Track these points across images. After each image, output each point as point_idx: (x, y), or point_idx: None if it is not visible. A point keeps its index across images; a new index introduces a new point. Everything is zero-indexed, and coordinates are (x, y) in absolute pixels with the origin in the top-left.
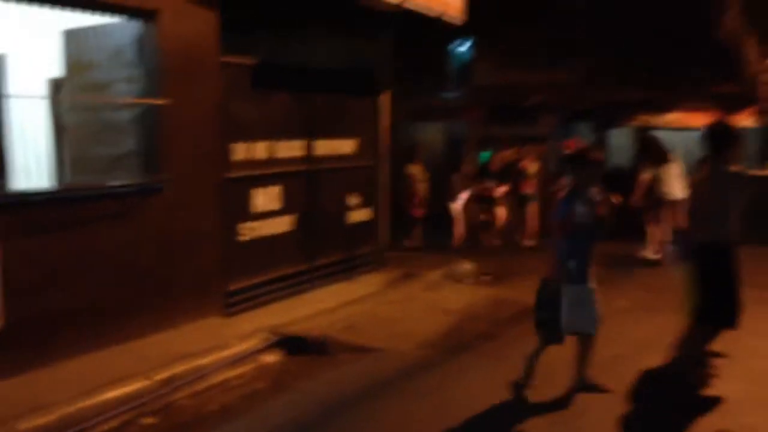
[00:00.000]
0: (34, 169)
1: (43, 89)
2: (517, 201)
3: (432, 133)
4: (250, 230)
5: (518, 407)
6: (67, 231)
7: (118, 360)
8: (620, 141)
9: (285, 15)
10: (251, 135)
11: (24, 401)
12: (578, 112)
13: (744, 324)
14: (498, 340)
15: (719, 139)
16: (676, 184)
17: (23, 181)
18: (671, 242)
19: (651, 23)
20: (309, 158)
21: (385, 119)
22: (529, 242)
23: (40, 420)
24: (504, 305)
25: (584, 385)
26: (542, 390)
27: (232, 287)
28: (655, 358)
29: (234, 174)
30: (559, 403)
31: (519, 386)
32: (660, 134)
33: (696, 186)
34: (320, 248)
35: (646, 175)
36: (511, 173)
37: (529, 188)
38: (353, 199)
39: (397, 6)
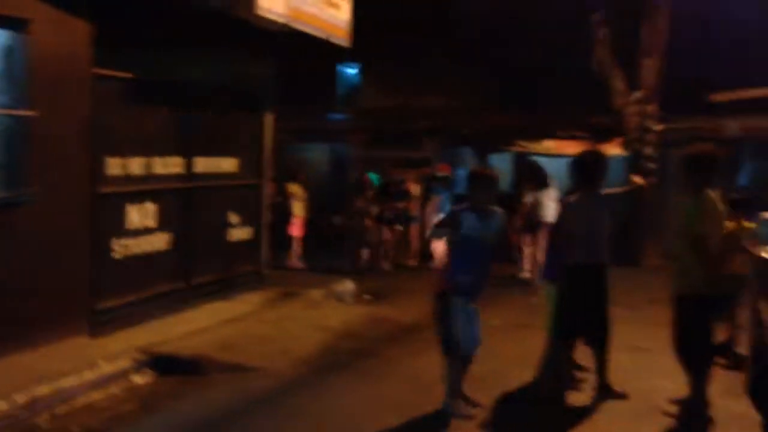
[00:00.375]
0: None
1: None
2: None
3: (317, 154)
4: (123, 247)
5: (393, 424)
6: None
7: None
8: (500, 165)
9: (165, 31)
10: (126, 150)
11: None
12: (461, 136)
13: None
14: (375, 358)
15: (590, 166)
16: (553, 208)
17: None
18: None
19: (532, 54)
20: (188, 175)
21: (268, 139)
22: (411, 262)
23: None
24: (383, 323)
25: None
26: (421, 405)
27: (103, 305)
28: (525, 373)
29: (107, 189)
30: (437, 417)
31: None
32: (537, 160)
33: (567, 210)
34: (198, 267)
35: (528, 199)
36: (396, 194)
37: (413, 209)
38: (234, 218)
39: (283, 26)
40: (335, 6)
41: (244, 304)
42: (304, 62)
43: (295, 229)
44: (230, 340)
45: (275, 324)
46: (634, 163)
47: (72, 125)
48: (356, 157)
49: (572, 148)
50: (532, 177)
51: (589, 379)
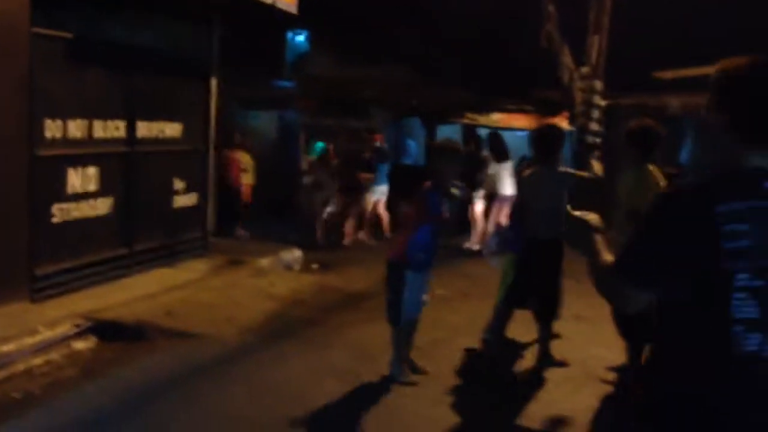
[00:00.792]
0: None
1: None
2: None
3: (266, 122)
4: (63, 212)
5: (337, 390)
6: None
7: None
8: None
9: None
10: (66, 112)
11: None
12: (409, 107)
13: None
14: (321, 326)
15: (549, 141)
16: (508, 181)
17: None
18: (494, 235)
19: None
20: (130, 140)
21: (213, 105)
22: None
23: None
24: (329, 292)
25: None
26: (365, 372)
27: (42, 271)
28: (469, 340)
29: (45, 152)
30: (381, 384)
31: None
32: (499, 132)
33: (525, 184)
34: (141, 233)
35: (492, 170)
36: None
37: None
38: (178, 184)
39: None
40: None
41: (189, 271)
42: (252, 28)
43: (242, 197)
44: (174, 307)
45: (221, 291)
46: (579, 138)
47: (9, 85)
48: (304, 125)
49: (519, 121)
50: (495, 149)
51: (532, 349)
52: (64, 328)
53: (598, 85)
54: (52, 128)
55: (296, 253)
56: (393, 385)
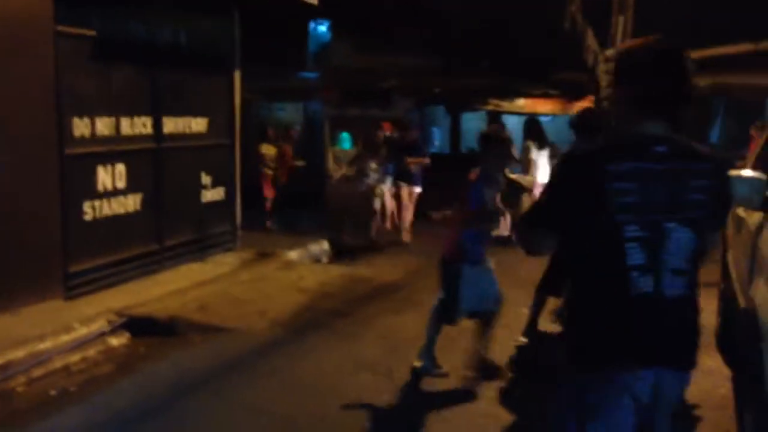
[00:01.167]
0: None
1: None
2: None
3: (290, 114)
4: (94, 209)
5: (368, 382)
6: None
7: None
8: (473, 125)
9: None
10: (93, 110)
11: None
12: (432, 96)
13: None
14: (350, 318)
15: (593, 125)
16: (546, 169)
17: None
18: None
19: (501, 12)
20: (157, 136)
21: (237, 98)
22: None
23: None
24: (359, 283)
25: (484, 363)
26: (396, 364)
27: (75, 269)
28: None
29: (75, 151)
30: (412, 378)
31: (421, 370)
32: (511, 119)
33: None
34: (171, 228)
35: (533, 156)
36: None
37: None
38: (206, 178)
39: None
40: None
41: (219, 265)
42: (274, 20)
43: (268, 190)
44: (206, 301)
45: (251, 285)
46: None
47: (36, 85)
48: (328, 116)
49: (545, 106)
50: (536, 135)
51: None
52: (98, 325)
53: None
54: (80, 127)
55: (324, 245)
56: (424, 377)
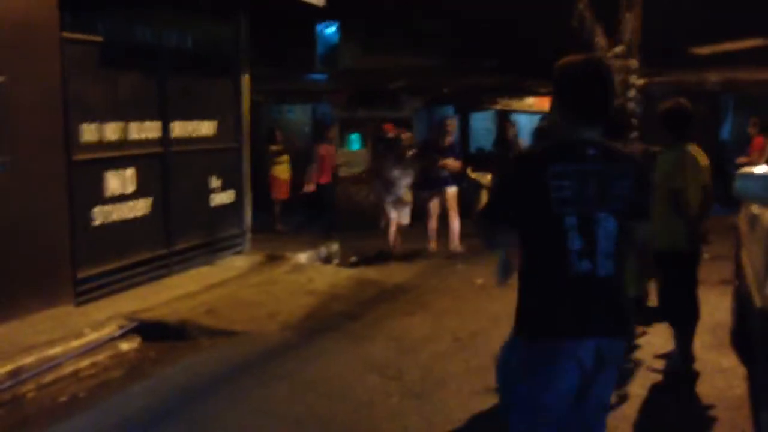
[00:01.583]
0: None
1: None
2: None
3: (299, 115)
4: (103, 215)
5: (378, 386)
6: None
7: None
8: (482, 124)
9: None
10: (101, 116)
11: None
12: (441, 96)
13: None
14: (360, 320)
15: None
16: None
17: None
18: None
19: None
20: (165, 140)
21: (245, 101)
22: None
23: None
24: (369, 285)
25: None
26: (407, 366)
27: (84, 274)
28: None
29: (83, 156)
30: (423, 380)
31: None
32: (522, 118)
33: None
34: (180, 232)
35: None
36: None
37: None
38: (215, 182)
39: None
40: None
41: (229, 268)
42: (282, 22)
43: (277, 192)
44: (216, 305)
45: (260, 288)
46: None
47: (43, 90)
48: (337, 118)
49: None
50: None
51: None
52: (108, 330)
53: (634, 63)
54: (87, 132)
55: (334, 248)
56: (434, 379)
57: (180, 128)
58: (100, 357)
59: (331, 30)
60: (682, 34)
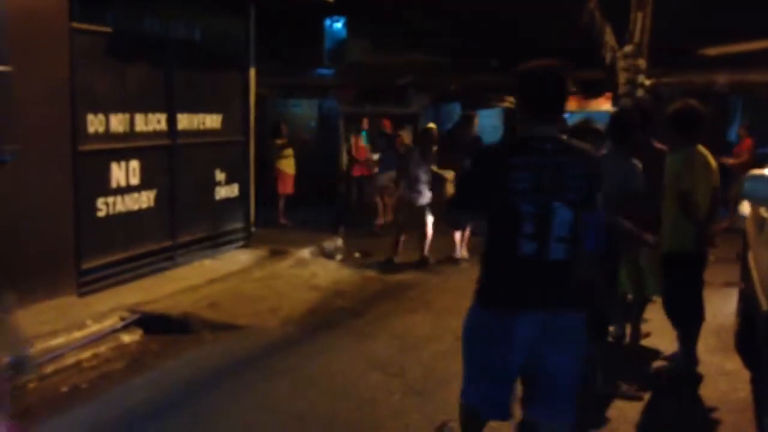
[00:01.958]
0: None
1: None
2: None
3: (306, 110)
4: (107, 206)
5: (380, 383)
6: None
7: None
8: (489, 121)
9: None
10: (107, 107)
11: None
12: (448, 92)
13: None
14: (363, 317)
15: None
16: None
17: None
18: None
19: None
20: (171, 132)
21: (252, 95)
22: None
23: None
24: (372, 282)
25: None
26: (409, 363)
27: (88, 265)
28: None
29: (88, 147)
30: (425, 377)
31: None
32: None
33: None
34: (184, 224)
35: None
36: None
37: None
38: (220, 175)
39: None
40: None
41: (232, 262)
42: (290, 16)
43: (282, 187)
44: (219, 298)
45: (263, 282)
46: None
47: (51, 81)
48: (344, 113)
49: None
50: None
51: None
52: (111, 322)
53: (642, 63)
54: (94, 123)
55: (338, 243)
56: (436, 377)
57: (186, 121)
58: (102, 348)
59: (338, 25)
60: (691, 35)
